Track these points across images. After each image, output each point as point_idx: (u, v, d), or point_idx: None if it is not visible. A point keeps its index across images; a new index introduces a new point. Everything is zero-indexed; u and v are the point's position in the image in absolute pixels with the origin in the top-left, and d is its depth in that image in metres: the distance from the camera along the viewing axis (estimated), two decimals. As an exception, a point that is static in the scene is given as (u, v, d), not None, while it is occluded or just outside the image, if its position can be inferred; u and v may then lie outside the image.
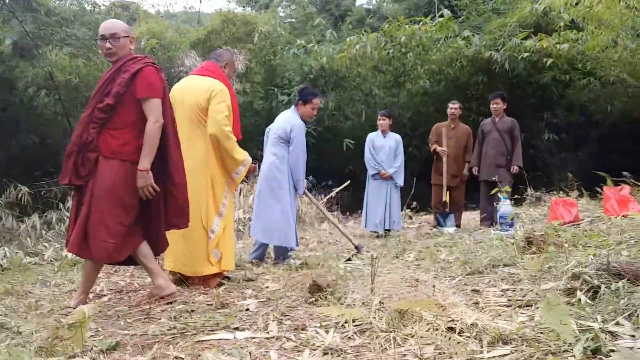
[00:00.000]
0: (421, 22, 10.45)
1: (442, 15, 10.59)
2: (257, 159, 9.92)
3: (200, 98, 3.80)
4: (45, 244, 6.20)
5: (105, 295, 3.69)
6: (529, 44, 9.35)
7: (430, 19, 10.63)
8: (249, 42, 11.39)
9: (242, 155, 3.96)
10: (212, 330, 2.61)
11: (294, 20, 16.40)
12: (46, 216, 7.17)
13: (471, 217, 7.92)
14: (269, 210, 4.77)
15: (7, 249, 5.73)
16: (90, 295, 3.67)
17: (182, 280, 3.81)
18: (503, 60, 9.68)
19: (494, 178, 5.89)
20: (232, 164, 3.91)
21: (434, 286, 2.56)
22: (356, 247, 5.04)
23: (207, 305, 3.20)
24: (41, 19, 8.09)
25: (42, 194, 7.81)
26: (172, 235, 3.67)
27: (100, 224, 3.07)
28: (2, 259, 5.49)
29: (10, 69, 8.48)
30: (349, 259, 4.80)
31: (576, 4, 7.71)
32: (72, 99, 9.55)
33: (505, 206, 5.58)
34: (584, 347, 1.84)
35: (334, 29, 13.82)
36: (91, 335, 2.60)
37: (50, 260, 5.50)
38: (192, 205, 3.60)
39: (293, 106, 5.16)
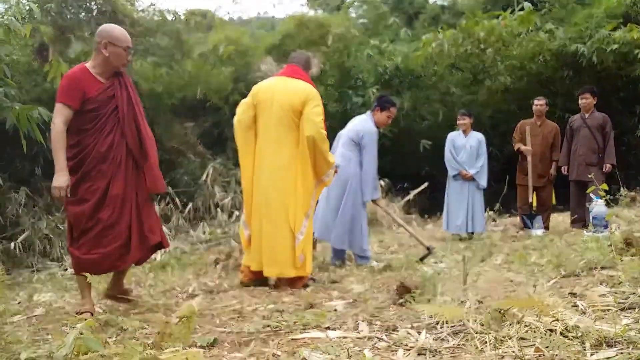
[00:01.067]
0: (500, 17, 10.17)
1: (522, 9, 10.25)
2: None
3: (296, 101, 3.83)
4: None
5: (197, 295, 3.84)
6: (618, 35, 8.88)
7: (510, 13, 10.31)
8: (322, 45, 11.49)
9: (333, 158, 4.05)
10: (304, 329, 2.64)
11: (366, 20, 16.35)
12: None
13: (560, 220, 7.58)
14: (339, 214, 4.82)
15: (103, 251, 6.07)
16: (184, 296, 3.84)
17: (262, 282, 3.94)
18: (590, 53, 9.26)
19: (589, 176, 5.62)
20: (325, 167, 3.95)
21: (534, 286, 2.47)
22: (427, 249, 4.98)
23: (296, 305, 3.26)
24: (126, 30, 8.49)
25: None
26: (257, 235, 3.85)
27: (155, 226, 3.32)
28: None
29: (98, 79, 8.96)
30: (422, 259, 4.77)
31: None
32: (156, 107, 9.98)
33: (599, 206, 5.30)
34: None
35: (407, 28, 13.70)
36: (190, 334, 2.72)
37: (142, 262, 5.78)
38: (277, 206, 3.76)
39: (369, 111, 5.16)
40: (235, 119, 4.09)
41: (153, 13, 9.50)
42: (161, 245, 3.41)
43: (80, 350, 1.95)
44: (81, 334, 1.93)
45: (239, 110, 4.08)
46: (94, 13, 8.60)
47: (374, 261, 4.85)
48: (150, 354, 2.11)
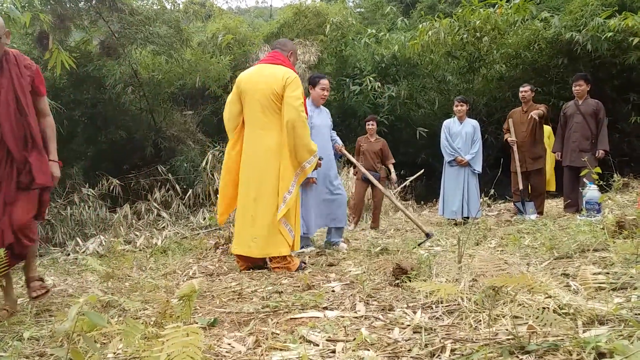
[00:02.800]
0: (496, 5, 10.16)
1: (518, -3, 10.25)
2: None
3: (276, 85, 3.88)
4: (136, 233, 6.58)
5: (197, 278, 3.89)
6: (613, 23, 8.90)
7: (506, 2, 10.31)
8: (320, 34, 11.50)
9: (315, 145, 4.04)
10: (303, 309, 2.70)
11: (363, 9, 16.36)
12: (136, 207, 7.60)
13: (554, 204, 7.66)
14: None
15: (103, 237, 6.13)
16: (185, 278, 3.90)
17: (257, 267, 4.02)
18: (585, 41, 9.29)
19: (583, 159, 5.67)
20: (305, 153, 3.96)
21: (528, 264, 2.53)
22: (426, 234, 5.03)
23: (294, 287, 3.32)
24: (126, 18, 8.51)
25: (131, 186, 8.28)
26: (243, 220, 3.94)
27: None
28: (98, 247, 5.90)
29: (98, 67, 8.99)
30: (420, 245, 4.81)
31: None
32: (156, 95, 10.01)
33: (592, 191, 5.38)
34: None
35: (404, 17, 13.68)
36: (191, 314, 2.77)
37: (142, 248, 5.83)
38: (269, 191, 3.87)
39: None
40: (224, 116, 4.19)
41: (152, 2, 9.49)
42: (14, 247, 2.98)
43: (83, 327, 1.99)
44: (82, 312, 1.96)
45: (226, 107, 4.17)
46: (94, 2, 8.58)
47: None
48: (152, 331, 2.16)
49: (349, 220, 7.49)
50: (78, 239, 6.41)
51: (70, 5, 8.38)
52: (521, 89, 7.00)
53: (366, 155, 7.17)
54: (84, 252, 5.84)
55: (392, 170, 7.34)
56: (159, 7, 9.39)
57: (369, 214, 8.33)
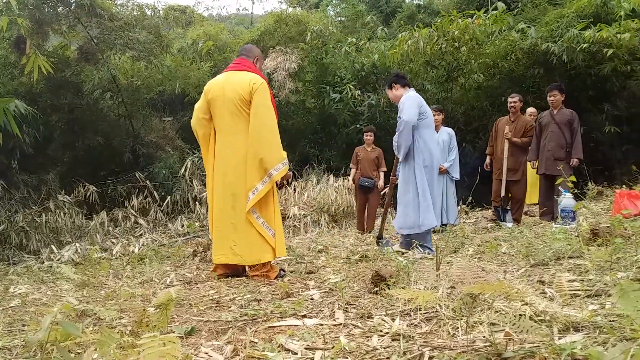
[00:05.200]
0: (474, 16, 10.32)
1: (495, 8, 10.43)
2: (310, 158, 10.10)
3: (243, 91, 3.88)
4: (113, 240, 6.50)
5: (175, 286, 3.85)
6: (588, 35, 9.10)
7: (484, 12, 10.48)
8: (301, 42, 11.53)
9: (284, 153, 3.99)
10: (282, 317, 2.69)
11: (344, 18, 16.45)
12: (113, 214, 7.51)
13: (530, 212, 7.76)
14: None
15: (79, 244, 6.04)
16: (162, 286, 3.86)
17: (236, 275, 3.99)
18: (561, 52, 9.47)
19: (558, 167, 5.76)
20: (273, 159, 3.88)
21: (505, 271, 2.56)
22: (379, 238, 5.13)
23: (273, 295, 3.31)
24: (105, 24, 8.45)
25: (108, 192, 8.18)
26: (223, 228, 3.90)
27: None
28: (73, 254, 5.81)
29: (76, 73, 8.89)
30: (377, 242, 5.00)
31: (638, -8, 7.45)
32: (134, 101, 9.94)
33: (567, 199, 5.47)
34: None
35: (384, 26, 13.80)
36: (168, 322, 2.74)
37: (119, 255, 5.76)
38: (241, 198, 3.86)
39: None
40: (192, 121, 4.16)
41: (132, 7, 9.44)
42: None
43: (57, 336, 1.95)
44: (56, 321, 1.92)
45: (193, 115, 4.14)
46: (72, 7, 8.50)
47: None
48: (128, 341, 2.13)
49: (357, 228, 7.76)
50: (53, 246, 6.31)
51: (49, 10, 8.29)
52: (510, 99, 7.05)
53: (363, 163, 7.59)
54: (58, 259, 5.75)
55: (382, 177, 7.69)
56: (138, 13, 9.35)
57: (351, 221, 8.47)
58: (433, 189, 4.86)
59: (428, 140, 4.91)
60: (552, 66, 9.85)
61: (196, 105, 4.15)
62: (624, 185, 7.67)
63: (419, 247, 4.66)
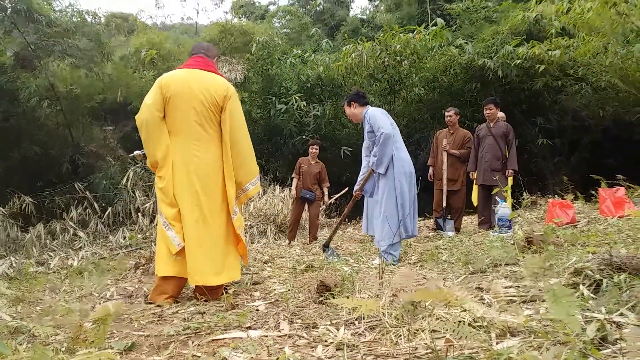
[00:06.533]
0: (415, 31, 10.60)
1: (435, 24, 10.77)
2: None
3: (217, 94, 3.57)
4: (50, 254, 6.25)
5: (114, 300, 3.74)
6: (522, 51, 9.52)
7: (424, 28, 10.79)
8: (246, 52, 11.52)
9: (257, 167, 3.85)
10: (226, 330, 2.66)
11: (289, 30, 16.55)
12: (50, 226, 7.22)
13: (469, 221, 8.00)
14: None
15: (13, 258, 5.77)
16: (101, 301, 3.74)
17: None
18: (496, 67, 9.86)
19: (494, 178, 5.98)
20: (249, 173, 3.73)
21: (444, 279, 2.64)
22: (325, 246, 5.19)
23: (218, 307, 3.26)
24: (43, 30, 8.17)
25: (45, 204, 7.87)
26: (192, 244, 3.48)
27: None
28: (8, 269, 5.55)
29: (11, 80, 8.54)
30: (324, 251, 5.06)
31: (567, 12, 7.87)
32: (74, 110, 9.63)
33: (503, 208, 5.68)
34: (591, 337, 1.92)
35: (329, 39, 13.97)
36: (106, 338, 2.66)
37: (57, 269, 5.54)
38: (212, 210, 3.52)
39: None
40: (143, 117, 3.58)
41: (72, 14, 9.14)
42: None
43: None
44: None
45: (146, 111, 3.56)
46: (9, 11, 8.16)
47: None
48: (62, 358, 2.06)
49: (288, 238, 7.76)
50: (-15, 260, 6.00)
51: (-17, 14, 7.95)
52: (446, 113, 7.29)
53: (305, 176, 7.60)
54: (-9, 274, 5.47)
55: (326, 193, 7.78)
56: (78, 19, 9.09)
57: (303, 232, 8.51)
58: (412, 196, 4.85)
59: (402, 148, 4.95)
60: (488, 81, 10.24)
61: (148, 101, 3.58)
62: (556, 195, 8.05)
63: (385, 255, 4.60)
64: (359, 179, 5.28)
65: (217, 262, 3.54)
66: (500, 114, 7.01)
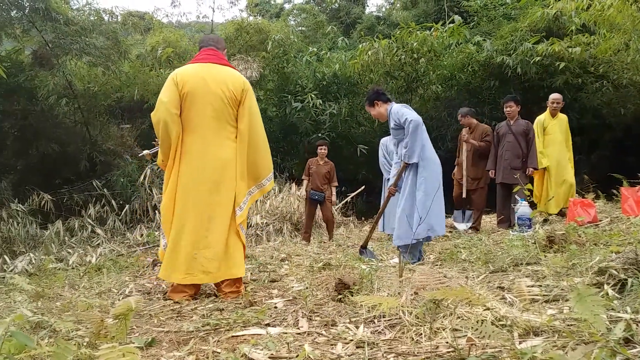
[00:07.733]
0: (432, 28, 10.53)
1: (452, 22, 10.69)
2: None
3: (235, 88, 3.52)
4: (69, 250, 6.30)
5: (133, 296, 3.75)
6: (541, 48, 9.41)
7: (441, 25, 10.71)
8: (262, 50, 11.52)
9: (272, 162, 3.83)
10: (245, 327, 2.65)
11: (305, 28, 16.54)
12: (69, 223, 7.29)
13: (487, 220, 7.93)
14: None
15: (33, 255, 5.83)
16: (120, 297, 3.76)
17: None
18: (515, 65, 9.75)
19: (515, 176, 5.91)
20: (266, 169, 3.70)
21: (466, 277, 2.60)
22: (362, 247, 5.14)
23: (236, 304, 3.26)
24: (60, 28, 8.23)
25: (63, 201, 7.95)
26: (195, 242, 3.45)
27: None
28: (27, 265, 5.61)
29: (30, 78, 8.63)
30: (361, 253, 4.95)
31: (587, 8, 7.76)
32: (91, 108, 9.71)
33: (523, 207, 5.62)
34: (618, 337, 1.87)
35: (345, 37, 13.93)
36: (127, 333, 2.67)
37: (75, 266, 5.59)
38: (221, 208, 3.48)
39: None
40: (161, 116, 3.48)
41: (89, 12, 9.23)
42: None
43: (10, 349, 1.87)
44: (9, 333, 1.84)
45: (163, 110, 3.47)
46: (27, 10, 8.25)
47: None
48: (85, 353, 2.07)
49: (303, 239, 7.75)
50: (6, 256, 6.07)
51: (2, 13, 8.03)
52: (459, 117, 7.23)
53: (314, 176, 7.67)
54: (12, 270, 5.53)
55: (334, 192, 7.88)
56: (95, 18, 9.16)
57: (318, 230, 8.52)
58: (439, 194, 4.65)
59: (428, 142, 4.83)
60: (507, 78, 10.13)
61: (164, 98, 3.48)
62: (576, 194, 7.93)
63: (405, 255, 4.46)
64: (391, 175, 5.19)
65: (218, 260, 3.49)
66: (554, 95, 6.93)
